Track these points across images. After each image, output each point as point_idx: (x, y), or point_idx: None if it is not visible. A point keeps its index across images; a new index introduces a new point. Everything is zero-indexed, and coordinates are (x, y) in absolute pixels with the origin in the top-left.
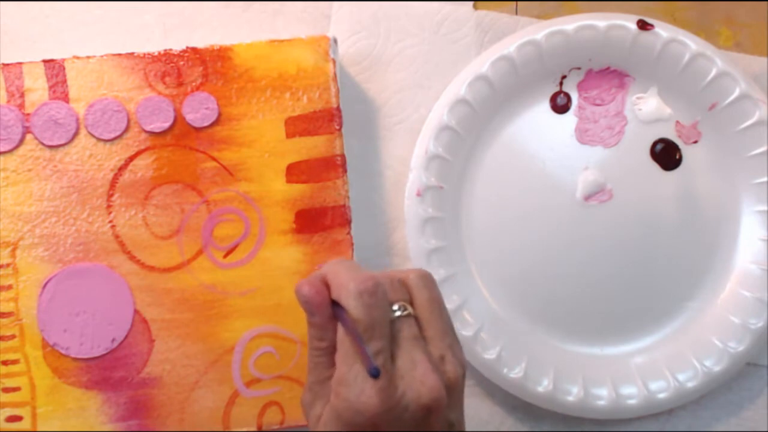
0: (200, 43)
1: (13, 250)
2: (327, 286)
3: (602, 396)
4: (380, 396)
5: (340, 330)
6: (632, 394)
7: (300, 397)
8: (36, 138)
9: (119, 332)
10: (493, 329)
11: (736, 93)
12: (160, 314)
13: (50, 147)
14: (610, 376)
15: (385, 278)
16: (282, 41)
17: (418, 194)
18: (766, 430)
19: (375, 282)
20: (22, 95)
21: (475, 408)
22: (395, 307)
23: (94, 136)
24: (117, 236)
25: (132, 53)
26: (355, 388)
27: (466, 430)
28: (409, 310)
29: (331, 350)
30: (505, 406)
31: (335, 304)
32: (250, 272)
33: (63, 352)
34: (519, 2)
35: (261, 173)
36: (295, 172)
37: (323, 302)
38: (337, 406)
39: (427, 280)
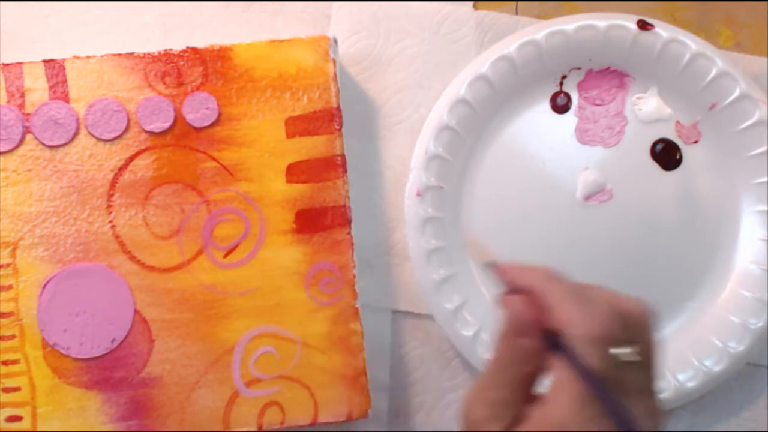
0: (200, 43)
1: (13, 250)
2: (535, 303)
3: None
4: None
5: (562, 367)
6: None
7: (465, 405)
8: (36, 138)
9: (119, 332)
10: (493, 329)
11: (736, 93)
12: (160, 314)
13: (50, 147)
14: None
15: (615, 314)
16: (282, 41)
17: (418, 194)
18: (766, 430)
19: (616, 325)
20: (22, 95)
21: None
22: (628, 350)
23: (94, 136)
24: (117, 236)
25: (132, 53)
26: None
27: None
28: (640, 357)
29: (533, 378)
30: None
31: (551, 334)
32: (250, 272)
33: (63, 352)
34: (519, 2)
35: (261, 173)
36: (295, 172)
37: (537, 326)
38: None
39: (653, 319)
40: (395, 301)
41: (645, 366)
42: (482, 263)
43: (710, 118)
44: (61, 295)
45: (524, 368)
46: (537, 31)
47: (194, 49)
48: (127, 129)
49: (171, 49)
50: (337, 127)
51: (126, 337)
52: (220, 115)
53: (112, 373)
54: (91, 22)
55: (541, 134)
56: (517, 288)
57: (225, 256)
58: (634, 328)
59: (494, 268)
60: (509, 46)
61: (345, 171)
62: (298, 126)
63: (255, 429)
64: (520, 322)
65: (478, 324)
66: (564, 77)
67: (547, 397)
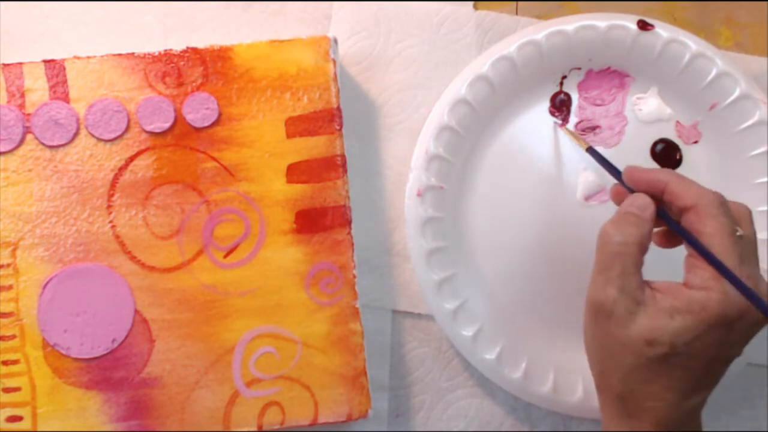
0: (200, 43)
1: (14, 250)
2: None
3: None
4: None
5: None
6: None
7: (590, 293)
8: (36, 138)
9: (119, 332)
10: (493, 329)
11: (736, 93)
12: (161, 314)
13: (50, 147)
14: None
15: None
16: (282, 41)
17: (418, 194)
18: (766, 430)
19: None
20: (22, 95)
21: (475, 408)
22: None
23: (94, 136)
24: (117, 236)
25: (132, 53)
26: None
27: (467, 430)
28: (742, 232)
29: (643, 249)
30: (505, 406)
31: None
32: (251, 272)
33: (63, 352)
34: (519, 2)
35: (261, 173)
36: (295, 173)
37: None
38: (712, 298)
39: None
40: (395, 301)
41: (750, 243)
42: (585, 148)
43: (710, 118)
44: (62, 295)
45: (644, 241)
46: (537, 31)
47: (194, 49)
48: (127, 129)
49: (171, 49)
50: (338, 127)
51: (126, 337)
52: (220, 115)
53: (113, 373)
54: (91, 22)
55: (542, 134)
56: (643, 184)
57: (225, 256)
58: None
59: (623, 172)
60: (509, 46)
61: (345, 171)
62: (299, 126)
63: (255, 429)
64: (640, 199)
65: (477, 324)
66: (564, 77)
67: (694, 261)
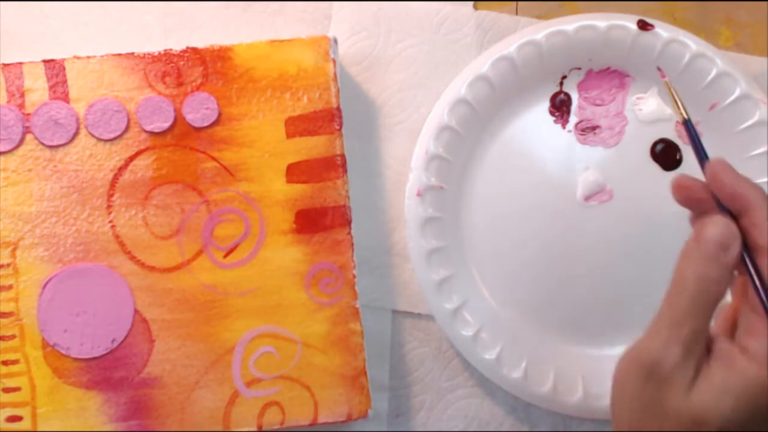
0: (200, 43)
1: (14, 250)
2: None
3: (602, 396)
4: None
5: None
6: None
7: (642, 348)
8: (36, 138)
9: (119, 332)
10: (493, 329)
11: (736, 93)
12: (161, 314)
13: (50, 147)
14: (610, 376)
15: None
16: (282, 41)
17: (419, 194)
18: (765, 430)
19: None
20: (22, 95)
21: (475, 408)
22: None
23: (94, 136)
24: (117, 236)
25: (132, 53)
26: None
27: (467, 430)
28: None
29: (717, 302)
30: (505, 406)
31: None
32: (251, 272)
33: (63, 352)
34: (519, 2)
35: (261, 173)
36: (295, 172)
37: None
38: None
39: None
40: (395, 301)
41: None
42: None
43: (710, 118)
44: (61, 295)
45: (720, 290)
46: (537, 31)
47: (194, 49)
48: (127, 129)
49: (171, 49)
50: (337, 127)
51: (126, 337)
52: (220, 115)
53: (113, 373)
54: (91, 22)
55: (542, 134)
56: (725, 193)
57: (225, 256)
58: None
59: (709, 164)
60: (509, 46)
61: (345, 171)
62: (299, 126)
63: (255, 429)
64: (727, 238)
65: (477, 324)
66: (564, 77)
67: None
